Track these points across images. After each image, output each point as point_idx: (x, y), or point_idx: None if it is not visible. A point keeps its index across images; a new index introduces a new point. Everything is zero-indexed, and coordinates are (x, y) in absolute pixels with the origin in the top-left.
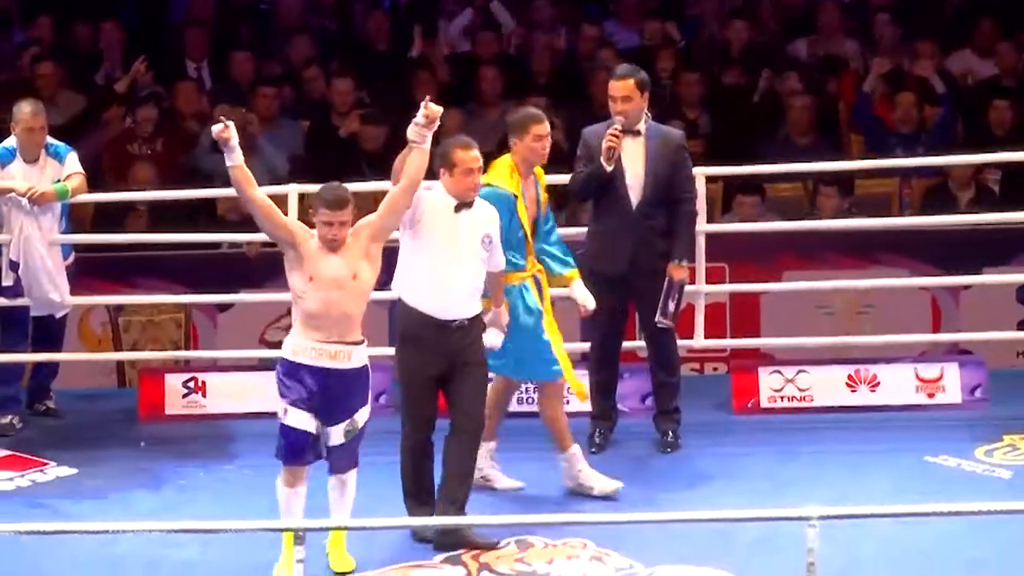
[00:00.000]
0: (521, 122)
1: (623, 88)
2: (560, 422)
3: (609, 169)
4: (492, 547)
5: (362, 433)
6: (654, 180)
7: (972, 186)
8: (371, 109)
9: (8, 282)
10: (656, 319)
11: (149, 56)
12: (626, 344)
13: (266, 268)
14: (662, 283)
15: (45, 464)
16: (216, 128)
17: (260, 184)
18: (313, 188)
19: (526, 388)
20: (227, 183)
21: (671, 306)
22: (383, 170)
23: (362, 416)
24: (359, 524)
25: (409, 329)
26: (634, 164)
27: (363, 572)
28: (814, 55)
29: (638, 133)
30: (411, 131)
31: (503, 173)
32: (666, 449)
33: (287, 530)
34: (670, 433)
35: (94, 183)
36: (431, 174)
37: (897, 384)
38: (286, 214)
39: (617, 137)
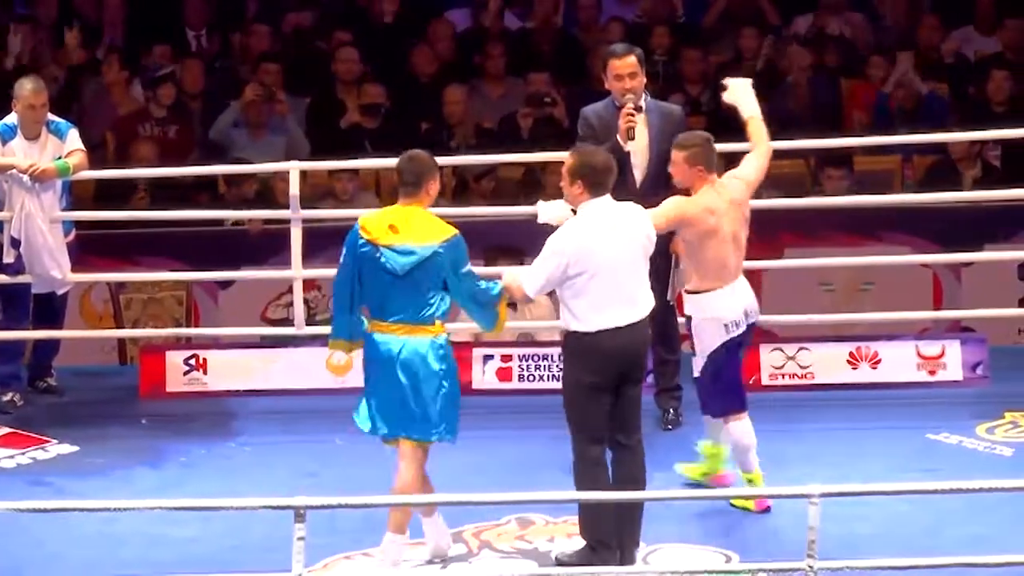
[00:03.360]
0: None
1: (629, 65)
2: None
3: (627, 148)
4: None
5: None
6: (658, 156)
7: (977, 164)
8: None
9: (9, 259)
10: (668, 297)
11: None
12: None
13: (267, 245)
14: (663, 261)
15: (46, 442)
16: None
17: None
18: (313, 165)
19: (526, 365)
20: (239, 160)
21: (672, 281)
22: (384, 148)
23: None
24: (360, 502)
25: None
26: (640, 141)
27: (364, 549)
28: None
29: (641, 109)
30: None
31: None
32: (667, 426)
33: (286, 508)
34: (671, 411)
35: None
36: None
37: (898, 361)
38: (286, 192)
39: (634, 115)
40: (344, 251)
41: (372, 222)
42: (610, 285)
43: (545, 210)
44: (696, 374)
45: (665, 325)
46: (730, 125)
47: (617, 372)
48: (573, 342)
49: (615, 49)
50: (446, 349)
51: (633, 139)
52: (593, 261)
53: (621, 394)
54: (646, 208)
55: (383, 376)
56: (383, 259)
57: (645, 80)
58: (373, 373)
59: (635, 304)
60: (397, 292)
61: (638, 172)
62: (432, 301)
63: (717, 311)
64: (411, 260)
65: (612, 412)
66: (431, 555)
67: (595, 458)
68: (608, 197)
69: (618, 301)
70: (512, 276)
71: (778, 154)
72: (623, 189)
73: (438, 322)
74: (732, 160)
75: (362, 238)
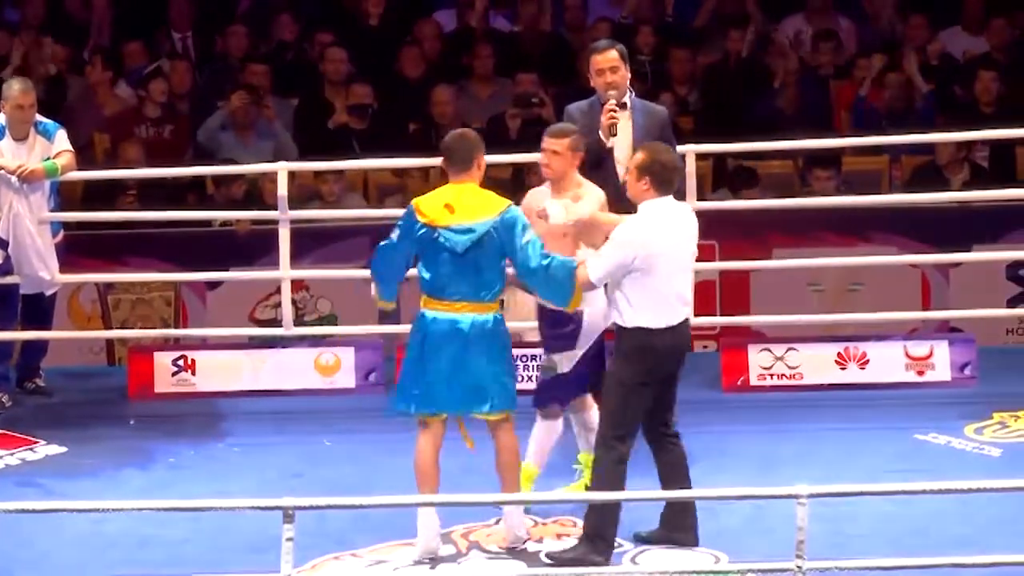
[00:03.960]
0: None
1: (611, 60)
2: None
3: (610, 145)
4: None
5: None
6: None
7: (964, 168)
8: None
9: None
10: None
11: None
12: None
13: (256, 246)
14: None
15: (35, 443)
16: None
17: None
18: (301, 166)
19: (524, 365)
20: (228, 161)
21: None
22: (372, 148)
23: None
24: (348, 502)
25: None
26: (622, 138)
27: (353, 550)
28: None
29: (625, 106)
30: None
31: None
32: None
33: (274, 508)
34: None
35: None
36: None
37: (887, 362)
38: (274, 193)
39: (616, 112)
40: (397, 232)
41: (428, 204)
42: (667, 283)
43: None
44: (566, 370)
45: None
46: (719, 125)
47: (667, 370)
48: (630, 339)
49: (597, 45)
50: (504, 324)
51: (615, 135)
52: (656, 257)
53: (665, 390)
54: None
55: (444, 353)
56: (442, 239)
57: (629, 76)
58: (430, 351)
59: (686, 303)
60: (457, 271)
61: (622, 169)
62: (490, 280)
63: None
64: (470, 238)
65: (653, 407)
66: (420, 555)
67: (622, 455)
68: (671, 196)
69: (673, 299)
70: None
71: (767, 155)
72: (607, 186)
73: (495, 302)
74: (721, 160)
75: (419, 221)
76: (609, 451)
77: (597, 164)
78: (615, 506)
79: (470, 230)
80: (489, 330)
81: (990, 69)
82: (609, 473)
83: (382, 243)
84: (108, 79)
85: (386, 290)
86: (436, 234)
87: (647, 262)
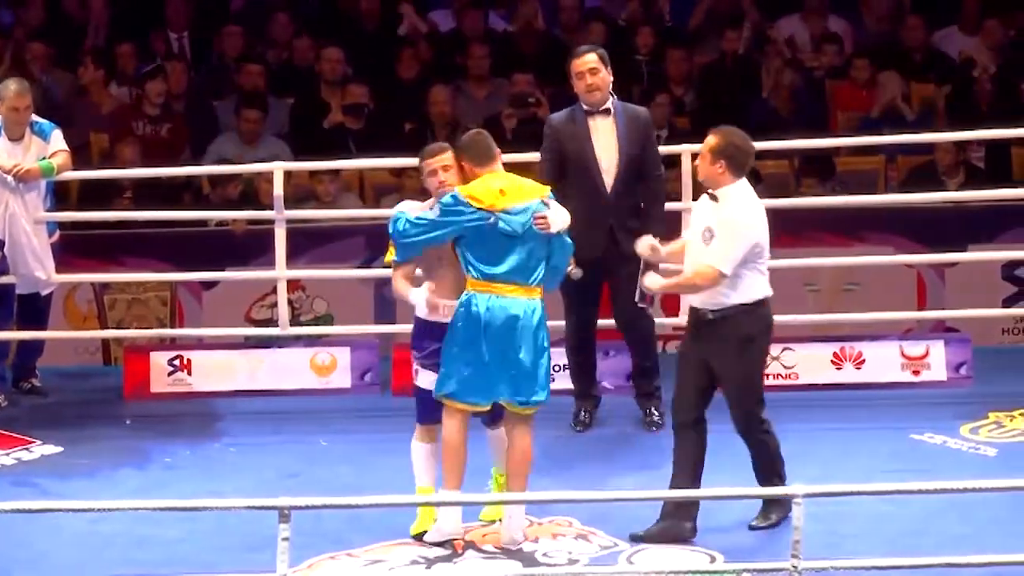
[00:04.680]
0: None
1: (587, 62)
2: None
3: (575, 276)
4: None
5: None
6: (627, 159)
7: (960, 172)
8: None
9: None
10: (636, 300)
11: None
12: (608, 323)
13: (252, 246)
14: (637, 265)
15: (31, 443)
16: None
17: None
18: (297, 166)
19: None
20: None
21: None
22: (368, 148)
23: None
24: (344, 502)
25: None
26: (607, 145)
27: (349, 550)
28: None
29: (608, 112)
30: None
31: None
32: (651, 428)
33: (270, 508)
34: (653, 411)
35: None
36: None
37: (882, 362)
38: (270, 193)
39: (544, 217)
40: (439, 219)
41: (481, 191)
42: (766, 261)
43: (559, 218)
44: (428, 386)
45: (641, 331)
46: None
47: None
48: (752, 315)
49: (577, 50)
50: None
51: (575, 269)
52: (765, 236)
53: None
54: (618, 213)
55: (499, 337)
56: (502, 224)
57: (611, 80)
58: (483, 335)
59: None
60: (514, 254)
61: (608, 177)
62: (536, 264)
63: None
64: (527, 217)
65: (706, 386)
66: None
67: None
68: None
69: (766, 276)
70: (692, 263)
71: (762, 155)
72: (593, 196)
73: (539, 287)
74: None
75: (474, 208)
76: (761, 422)
77: (582, 171)
78: (698, 480)
79: (524, 209)
80: (540, 317)
81: (985, 69)
82: (771, 436)
83: (415, 217)
84: (104, 79)
85: (405, 257)
86: (494, 218)
87: (764, 243)
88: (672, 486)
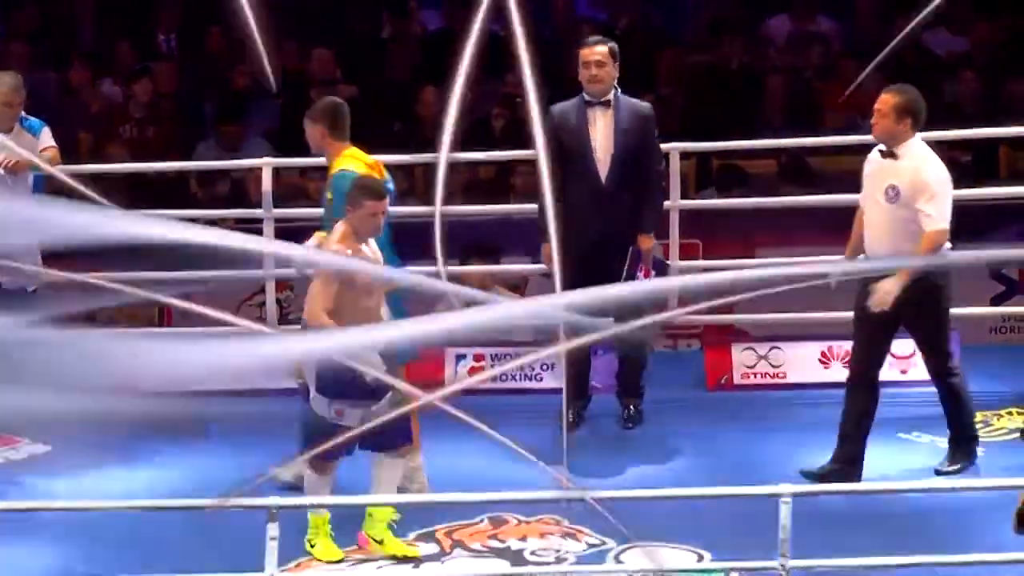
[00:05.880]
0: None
1: (596, 54)
2: None
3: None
4: None
5: None
6: (624, 152)
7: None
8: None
9: None
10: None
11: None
12: None
13: None
14: (634, 256)
15: (18, 442)
16: None
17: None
18: (287, 162)
19: (500, 364)
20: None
21: (639, 277)
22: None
23: None
24: (332, 501)
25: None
26: (604, 137)
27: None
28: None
29: (608, 104)
30: None
31: None
32: (628, 424)
33: (259, 508)
34: (631, 407)
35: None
36: None
37: None
38: (259, 189)
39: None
40: None
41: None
42: None
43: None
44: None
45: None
46: (704, 125)
47: None
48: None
49: (588, 39)
50: None
51: None
52: None
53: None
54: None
55: None
56: None
57: (616, 75)
58: None
59: None
60: None
61: (603, 169)
62: None
63: None
64: None
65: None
66: None
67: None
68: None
69: None
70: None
71: (752, 154)
72: (588, 189)
73: None
74: (705, 159)
75: None
76: (957, 375)
77: (578, 160)
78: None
79: None
80: None
81: (971, 69)
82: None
83: None
84: (91, 79)
85: None
86: None
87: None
88: (840, 434)
